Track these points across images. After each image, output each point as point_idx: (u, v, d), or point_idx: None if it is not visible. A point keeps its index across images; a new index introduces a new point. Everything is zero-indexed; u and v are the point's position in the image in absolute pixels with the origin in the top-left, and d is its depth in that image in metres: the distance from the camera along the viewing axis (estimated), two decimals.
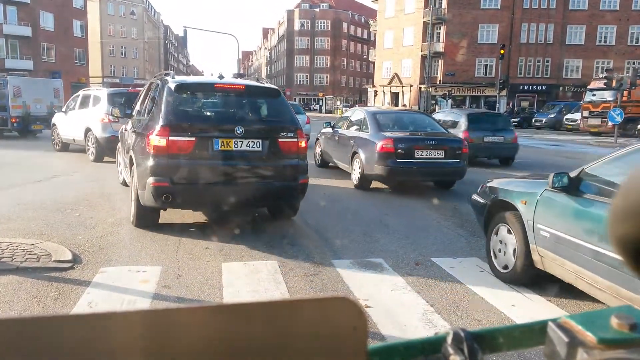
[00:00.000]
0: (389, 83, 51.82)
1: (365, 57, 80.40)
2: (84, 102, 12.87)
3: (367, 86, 60.65)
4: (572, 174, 3.91)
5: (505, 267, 4.52)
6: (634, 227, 0.41)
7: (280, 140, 5.77)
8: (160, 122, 5.43)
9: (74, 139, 13.19)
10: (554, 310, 3.95)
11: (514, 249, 4.39)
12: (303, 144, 5.95)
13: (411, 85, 48.67)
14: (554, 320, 0.54)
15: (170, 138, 5.36)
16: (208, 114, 6.28)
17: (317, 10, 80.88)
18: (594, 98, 27.74)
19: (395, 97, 51.52)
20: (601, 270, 3.41)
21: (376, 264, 4.92)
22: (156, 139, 5.36)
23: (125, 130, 7.47)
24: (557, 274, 4.00)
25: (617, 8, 44.58)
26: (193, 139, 5.44)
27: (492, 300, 4.08)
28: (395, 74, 51.03)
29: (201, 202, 5.91)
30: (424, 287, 4.33)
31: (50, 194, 7.66)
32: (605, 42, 45.40)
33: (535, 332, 0.57)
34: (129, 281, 4.23)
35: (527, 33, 45.53)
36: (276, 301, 0.47)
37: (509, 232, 4.49)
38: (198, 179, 5.46)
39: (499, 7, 45.08)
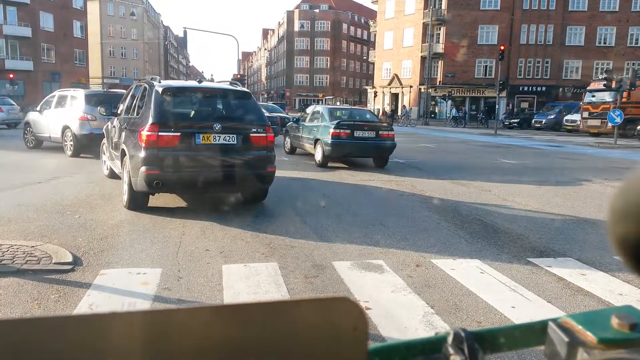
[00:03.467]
0: (389, 84, 51.84)
1: (365, 58, 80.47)
2: (61, 102, 13.73)
3: (366, 87, 60.67)
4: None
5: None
6: (634, 227, 0.41)
7: (251, 135, 6.86)
8: (150, 120, 6.39)
9: (50, 137, 14.00)
10: (554, 311, 3.95)
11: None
12: (270, 138, 7.06)
13: (411, 86, 48.69)
14: (554, 320, 0.54)
15: (159, 133, 6.35)
16: (190, 112, 7.15)
17: (317, 11, 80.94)
18: (593, 99, 27.75)
19: (395, 98, 51.54)
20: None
21: (376, 265, 4.92)
22: (147, 134, 6.32)
23: (113, 127, 8.33)
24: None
25: (617, 9, 44.65)
26: (178, 134, 6.46)
27: (492, 302, 4.08)
28: (395, 74, 51.05)
29: (186, 187, 6.95)
30: (424, 289, 4.33)
31: (51, 196, 7.66)
32: (604, 43, 45.46)
33: (536, 332, 0.57)
34: (129, 283, 4.23)
35: (526, 34, 45.58)
36: (276, 302, 0.47)
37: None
38: (183, 168, 6.49)
39: (498, 8, 45.13)
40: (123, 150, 7.10)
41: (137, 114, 6.93)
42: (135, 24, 70.83)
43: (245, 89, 7.71)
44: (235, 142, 6.72)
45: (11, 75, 37.94)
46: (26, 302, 3.77)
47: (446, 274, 4.73)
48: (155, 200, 7.33)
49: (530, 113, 40.44)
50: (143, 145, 6.33)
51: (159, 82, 6.99)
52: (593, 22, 44.82)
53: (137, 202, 6.79)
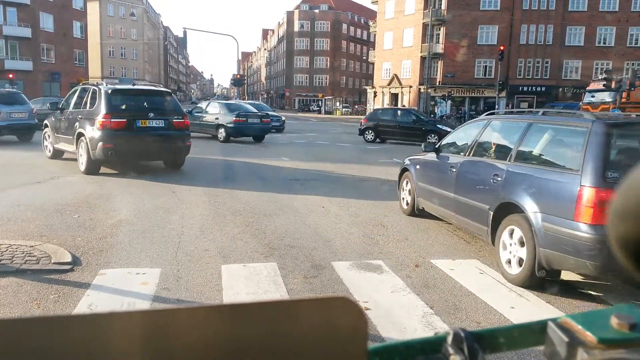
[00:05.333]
0: (389, 84, 51.83)
1: (364, 58, 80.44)
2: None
3: (366, 87, 60.64)
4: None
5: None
6: (634, 227, 0.41)
7: (174, 120, 10.29)
8: (104, 111, 9.48)
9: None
10: (554, 311, 3.95)
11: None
12: (187, 122, 10.71)
13: (411, 86, 48.68)
14: (554, 320, 0.54)
15: (111, 120, 9.47)
16: (131, 105, 10.00)
17: (316, 11, 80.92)
18: (593, 99, 27.74)
19: (394, 98, 51.53)
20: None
21: (376, 265, 4.92)
22: (102, 121, 9.41)
23: (59, 119, 11.23)
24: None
25: (617, 9, 44.63)
26: (124, 120, 9.62)
27: (491, 302, 4.08)
28: (395, 75, 51.04)
29: (130, 156, 10.16)
30: (424, 289, 4.33)
31: (50, 195, 7.65)
32: (604, 43, 45.46)
33: (535, 332, 0.57)
34: (128, 283, 4.23)
35: (526, 34, 45.56)
36: (276, 301, 0.47)
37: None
38: (128, 143, 9.65)
39: (498, 8, 45.12)
40: (80, 133, 9.89)
41: (91, 107, 9.81)
42: (135, 24, 70.82)
43: (167, 89, 11.44)
44: (163, 125, 10.08)
45: (11, 76, 37.90)
46: (25, 302, 3.77)
47: (445, 274, 4.73)
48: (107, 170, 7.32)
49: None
50: (99, 128, 9.38)
51: (105, 85, 10.03)
52: (593, 22, 44.81)
53: (93, 168, 9.77)
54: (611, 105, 24.00)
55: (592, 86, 28.22)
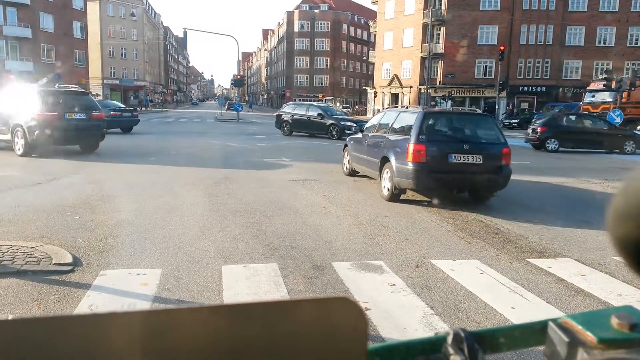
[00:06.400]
0: (389, 84, 51.83)
1: (365, 58, 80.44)
2: None
3: (366, 87, 60.64)
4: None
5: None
6: (634, 227, 0.41)
7: (93, 114, 13.44)
8: (39, 109, 12.33)
9: None
10: (553, 311, 3.95)
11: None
12: (102, 115, 13.89)
13: (411, 87, 48.69)
14: (554, 320, 0.54)
15: (46, 113, 12.32)
16: (60, 102, 12.85)
17: (316, 11, 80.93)
18: (593, 99, 27.73)
19: (395, 98, 51.53)
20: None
21: (376, 266, 4.92)
22: (42, 115, 12.26)
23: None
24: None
25: (617, 9, 44.63)
26: (55, 113, 12.52)
27: (491, 303, 4.08)
28: (395, 75, 51.04)
29: (62, 140, 12.90)
30: (424, 290, 4.33)
31: (50, 196, 7.66)
32: (604, 43, 45.44)
33: (536, 332, 0.57)
34: (129, 284, 4.23)
35: (526, 34, 45.56)
36: (276, 301, 0.47)
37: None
38: (60, 130, 12.43)
39: (498, 8, 45.11)
40: (16, 124, 12.59)
41: (27, 104, 12.58)
42: (135, 24, 70.80)
43: (85, 90, 16.26)
44: (85, 117, 13.20)
45: (11, 76, 37.92)
46: (26, 302, 3.77)
47: (446, 274, 4.73)
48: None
49: (530, 113, 40.39)
50: (38, 118, 12.22)
51: (38, 87, 13.56)
52: (593, 22, 44.81)
53: (36, 148, 12.59)
54: (611, 105, 24.00)
55: (593, 86, 28.22)
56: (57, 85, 14.33)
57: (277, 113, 25.55)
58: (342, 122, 22.31)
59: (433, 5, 45.54)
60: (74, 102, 13.09)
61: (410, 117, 8.25)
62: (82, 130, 13.14)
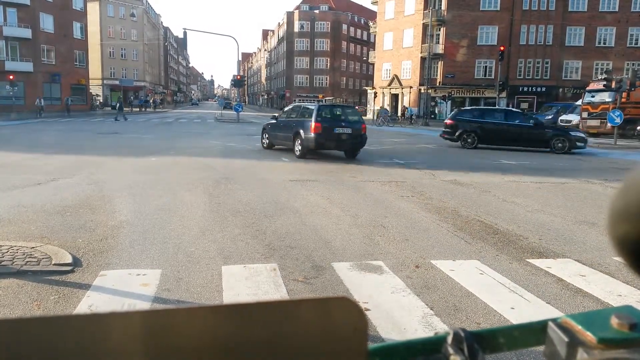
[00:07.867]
0: (389, 85, 51.83)
1: (364, 58, 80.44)
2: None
3: (366, 88, 60.64)
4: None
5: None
6: (634, 227, 0.41)
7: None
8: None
9: None
10: (553, 311, 3.95)
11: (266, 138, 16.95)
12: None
13: (411, 87, 48.69)
14: (554, 320, 0.54)
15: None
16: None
17: (316, 12, 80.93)
18: (593, 99, 27.72)
19: (395, 98, 51.53)
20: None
21: (376, 266, 4.92)
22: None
23: None
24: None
25: (617, 9, 44.63)
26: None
27: (491, 303, 4.08)
28: (395, 75, 51.04)
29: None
30: (424, 290, 4.33)
31: (50, 197, 7.66)
32: (604, 43, 45.45)
33: (536, 332, 0.57)
34: (129, 284, 4.23)
35: (526, 34, 45.56)
36: (276, 301, 0.47)
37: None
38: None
39: (498, 8, 45.12)
40: None
41: None
42: (135, 25, 70.80)
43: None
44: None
45: (11, 77, 37.93)
46: (26, 303, 3.77)
47: (446, 275, 4.73)
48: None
49: (529, 114, 40.33)
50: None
51: None
52: (593, 23, 44.80)
53: None
54: (611, 106, 23.99)
55: (592, 86, 28.20)
56: None
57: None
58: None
59: (433, 5, 45.55)
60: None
61: (311, 108, 14.69)
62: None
